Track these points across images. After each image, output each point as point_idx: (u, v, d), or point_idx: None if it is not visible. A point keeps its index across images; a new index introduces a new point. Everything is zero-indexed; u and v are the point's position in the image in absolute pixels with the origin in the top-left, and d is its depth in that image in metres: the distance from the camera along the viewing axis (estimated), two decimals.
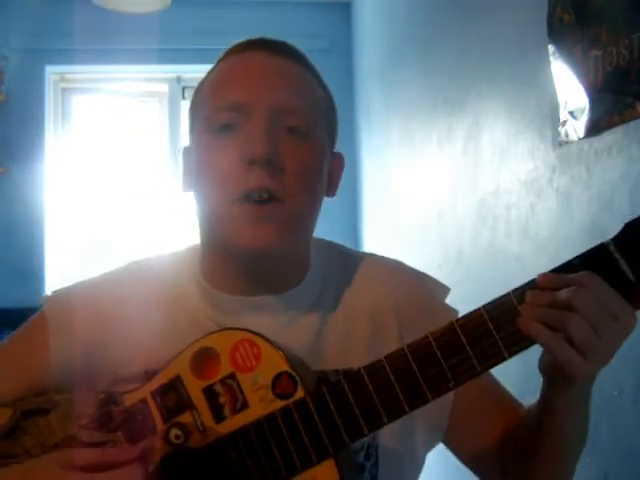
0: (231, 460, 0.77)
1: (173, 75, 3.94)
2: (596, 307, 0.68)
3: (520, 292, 0.71)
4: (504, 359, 0.71)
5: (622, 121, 1.20)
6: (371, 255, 0.98)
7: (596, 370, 0.71)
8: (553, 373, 0.73)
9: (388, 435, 0.85)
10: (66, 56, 3.68)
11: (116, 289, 0.91)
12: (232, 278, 0.87)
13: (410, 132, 2.72)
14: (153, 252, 0.98)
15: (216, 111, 0.84)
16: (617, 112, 1.22)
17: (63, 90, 3.92)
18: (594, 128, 1.30)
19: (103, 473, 0.74)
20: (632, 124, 1.18)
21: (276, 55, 0.87)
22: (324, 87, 0.92)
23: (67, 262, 3.86)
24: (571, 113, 1.38)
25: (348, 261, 0.94)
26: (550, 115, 1.49)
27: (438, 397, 0.73)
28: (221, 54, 0.93)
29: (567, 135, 1.41)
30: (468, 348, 0.71)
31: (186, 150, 0.93)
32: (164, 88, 3.98)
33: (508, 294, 0.71)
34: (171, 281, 0.91)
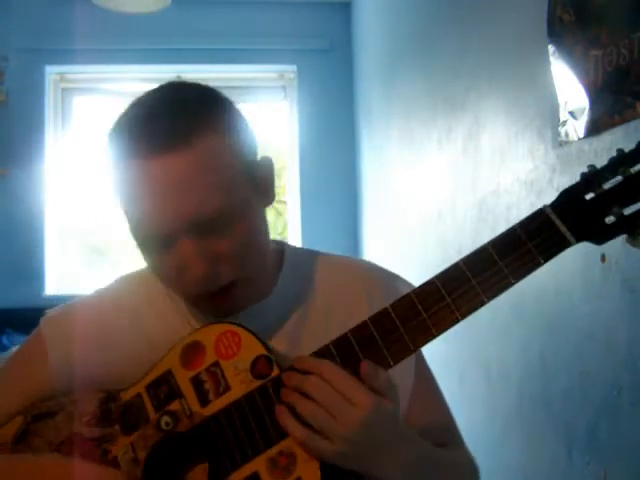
0: (214, 438, 0.83)
1: (173, 75, 3.94)
2: (329, 394, 0.77)
3: (470, 262, 0.78)
4: (457, 319, 0.78)
5: (622, 121, 1.20)
6: (346, 258, 1.04)
7: (346, 453, 0.77)
8: None
9: None
10: (66, 56, 3.68)
11: (106, 305, 0.97)
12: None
13: (410, 132, 2.72)
14: (137, 268, 1.02)
15: (143, 240, 0.85)
16: (617, 112, 1.21)
17: (63, 90, 3.92)
18: (594, 128, 1.30)
19: None
20: (632, 124, 1.18)
21: (169, 156, 0.78)
22: (231, 135, 0.83)
23: (67, 262, 3.86)
24: (571, 113, 1.38)
25: (321, 268, 0.99)
26: (550, 115, 1.49)
27: (399, 362, 0.80)
28: (115, 148, 0.82)
29: (567, 135, 1.41)
30: (423, 313, 0.79)
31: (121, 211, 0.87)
32: None
33: (458, 264, 0.79)
34: (146, 298, 0.96)
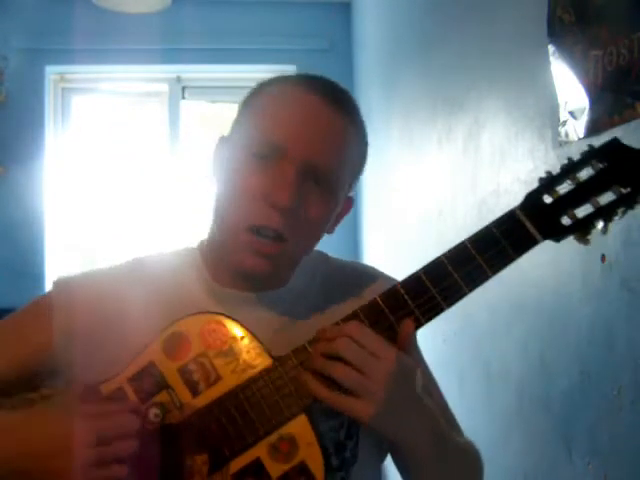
0: (211, 427, 0.83)
1: (173, 75, 3.94)
2: (357, 351, 0.80)
3: (451, 254, 0.85)
4: (442, 310, 0.85)
5: (622, 121, 1.20)
6: (351, 263, 1.08)
7: (379, 410, 0.80)
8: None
9: None
10: (66, 56, 3.68)
11: (120, 279, 0.98)
12: (230, 275, 0.94)
13: (410, 132, 2.72)
14: (154, 250, 1.04)
15: (257, 141, 0.89)
16: (617, 112, 1.21)
17: (63, 90, 3.92)
18: (594, 128, 1.30)
19: (104, 420, 0.79)
20: (632, 124, 1.18)
21: (329, 105, 0.90)
22: (363, 139, 0.96)
23: (67, 262, 3.86)
24: (571, 113, 1.38)
25: (332, 268, 1.03)
26: (550, 115, 1.49)
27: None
28: (286, 77, 0.97)
29: (567, 135, 1.41)
30: (410, 302, 0.85)
31: (223, 140, 0.98)
32: (164, 88, 3.98)
33: (440, 259, 0.85)
34: (172, 275, 0.98)
